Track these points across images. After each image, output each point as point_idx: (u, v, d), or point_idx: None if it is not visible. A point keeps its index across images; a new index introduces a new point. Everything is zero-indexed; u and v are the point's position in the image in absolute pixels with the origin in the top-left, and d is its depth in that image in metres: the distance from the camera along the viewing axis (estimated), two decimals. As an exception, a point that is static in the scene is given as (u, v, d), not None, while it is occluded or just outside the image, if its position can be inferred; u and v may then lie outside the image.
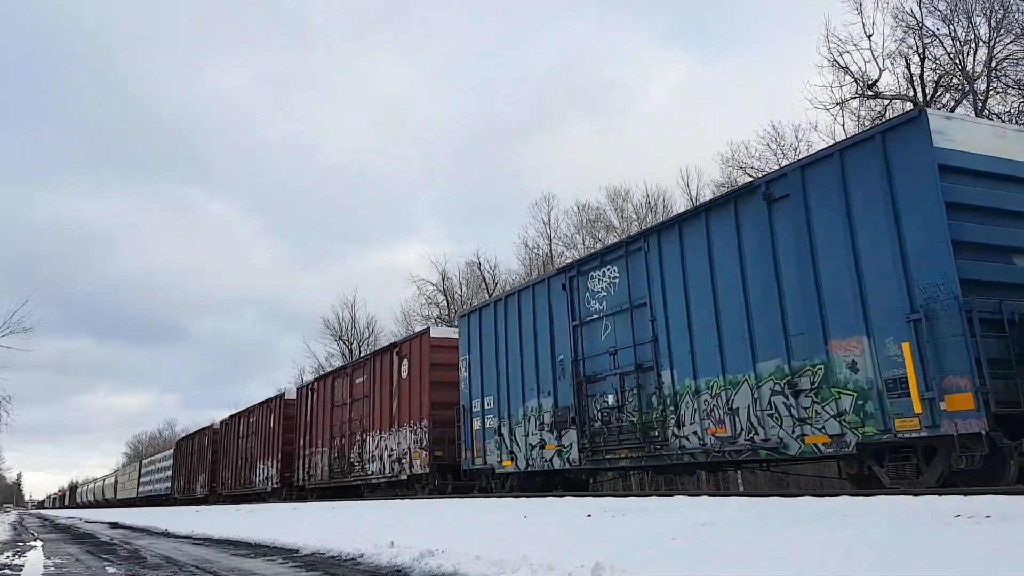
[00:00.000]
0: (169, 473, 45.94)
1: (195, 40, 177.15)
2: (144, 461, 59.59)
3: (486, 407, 15.10)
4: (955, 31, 20.64)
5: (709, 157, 36.69)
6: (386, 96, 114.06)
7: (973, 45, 20.33)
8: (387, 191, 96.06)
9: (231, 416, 33.79)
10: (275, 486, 27.17)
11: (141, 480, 56.30)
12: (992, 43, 19.96)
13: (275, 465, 27.33)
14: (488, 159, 77.76)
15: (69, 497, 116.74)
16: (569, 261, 17.84)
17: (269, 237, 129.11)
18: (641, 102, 71.18)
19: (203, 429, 38.75)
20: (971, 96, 20.18)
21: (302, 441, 25.12)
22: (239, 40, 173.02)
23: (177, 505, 40.43)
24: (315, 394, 24.38)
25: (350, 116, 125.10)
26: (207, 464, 36.63)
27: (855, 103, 22.55)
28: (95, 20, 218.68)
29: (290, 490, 26.16)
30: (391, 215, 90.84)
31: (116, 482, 70.23)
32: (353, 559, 7.98)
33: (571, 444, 12.66)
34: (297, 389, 27.16)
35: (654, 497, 9.60)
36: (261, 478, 28.65)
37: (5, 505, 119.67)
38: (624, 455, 11.72)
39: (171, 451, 47.75)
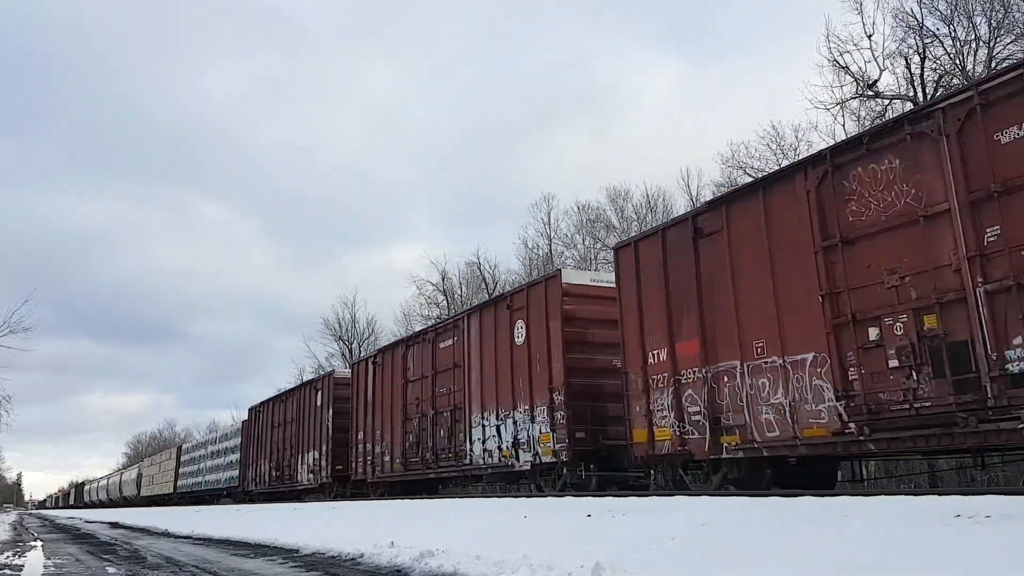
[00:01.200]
0: (235, 457, 32.94)
1: (192, 43, 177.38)
2: (186, 446, 46.43)
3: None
4: (955, 31, 20.66)
5: (709, 157, 36.63)
6: (382, 99, 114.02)
7: (973, 45, 20.34)
8: (384, 193, 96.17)
9: (381, 351, 20.70)
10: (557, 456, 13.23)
11: (182, 471, 43.96)
12: (992, 43, 19.96)
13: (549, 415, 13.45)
14: (486, 160, 77.77)
15: (75, 496, 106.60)
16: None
17: (266, 239, 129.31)
18: (640, 103, 71.18)
19: (309, 383, 25.75)
20: (971, 96, 20.16)
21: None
22: (235, 44, 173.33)
23: (254, 503, 27.69)
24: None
25: (347, 119, 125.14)
26: (322, 435, 23.26)
27: (855, 103, 22.57)
28: (92, 25, 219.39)
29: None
30: (389, 217, 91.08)
31: (139, 476, 57.24)
32: (353, 559, 7.98)
33: None
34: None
35: (654, 497, 9.59)
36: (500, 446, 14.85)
37: (5, 505, 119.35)
38: None
39: (236, 426, 34.44)
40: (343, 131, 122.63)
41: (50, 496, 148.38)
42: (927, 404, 7.86)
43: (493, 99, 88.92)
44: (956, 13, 20.56)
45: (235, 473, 32.92)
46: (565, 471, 13.14)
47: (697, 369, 10.63)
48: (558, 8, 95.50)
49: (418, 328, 26.31)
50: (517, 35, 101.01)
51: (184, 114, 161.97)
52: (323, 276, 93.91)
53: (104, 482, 78.96)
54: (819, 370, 8.99)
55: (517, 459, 14.21)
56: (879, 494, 7.10)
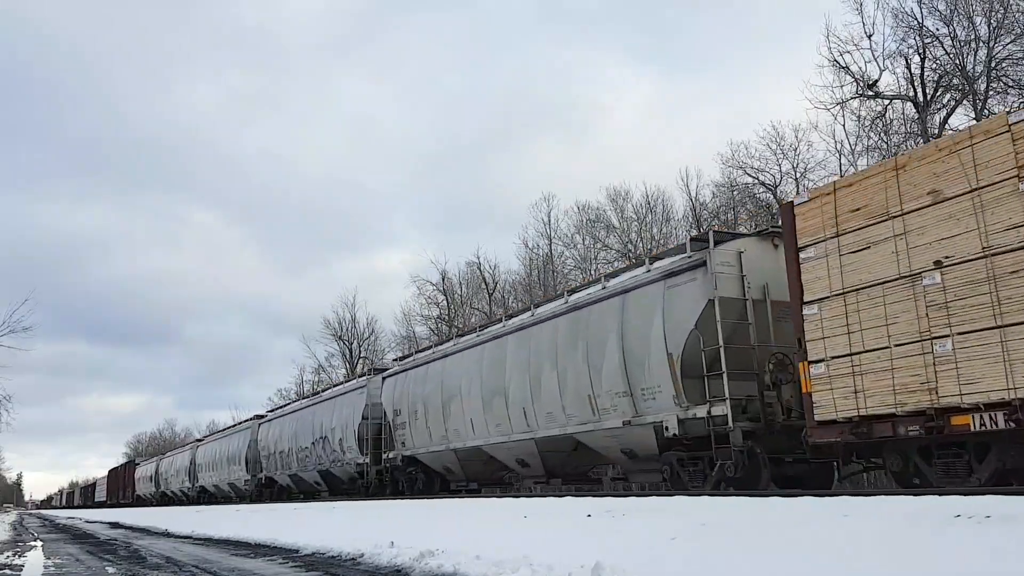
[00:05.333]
0: None
1: (177, 59, 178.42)
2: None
3: None
4: (955, 31, 20.65)
5: (709, 157, 36.46)
6: (362, 111, 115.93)
7: (973, 45, 20.32)
8: (369, 199, 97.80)
9: None
10: None
11: None
12: (992, 43, 19.95)
13: None
14: (470, 167, 78.44)
15: (122, 480, 60.76)
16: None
17: (255, 244, 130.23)
18: (625, 108, 71.28)
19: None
20: (971, 96, 20.18)
21: None
22: (219, 60, 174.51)
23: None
24: None
25: (328, 130, 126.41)
26: None
27: (856, 103, 22.60)
28: (81, 42, 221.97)
29: None
30: (375, 222, 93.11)
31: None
32: (353, 559, 7.97)
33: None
34: None
35: (654, 497, 9.59)
36: None
37: (5, 505, 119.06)
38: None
39: None
40: (325, 141, 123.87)
41: (57, 493, 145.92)
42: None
43: (475, 108, 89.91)
44: (956, 13, 20.56)
45: None
46: None
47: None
48: (540, 23, 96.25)
49: (418, 329, 25.89)
50: (495, 50, 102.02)
51: (170, 126, 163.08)
52: (313, 279, 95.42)
53: (223, 447, 35.81)
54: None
55: None
56: (879, 494, 7.10)
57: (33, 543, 15.16)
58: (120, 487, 60.53)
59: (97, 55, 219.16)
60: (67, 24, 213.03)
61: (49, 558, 10.82)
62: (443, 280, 40.02)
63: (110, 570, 8.61)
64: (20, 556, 11.33)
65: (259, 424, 31.72)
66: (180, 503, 42.16)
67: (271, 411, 33.81)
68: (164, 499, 48.17)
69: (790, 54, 53.52)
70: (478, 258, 39.10)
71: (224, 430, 39.96)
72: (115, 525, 24.20)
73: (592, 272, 31.88)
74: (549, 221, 35.97)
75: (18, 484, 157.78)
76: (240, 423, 36.98)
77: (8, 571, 8.99)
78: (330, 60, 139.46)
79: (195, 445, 42.88)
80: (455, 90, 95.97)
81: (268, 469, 29.70)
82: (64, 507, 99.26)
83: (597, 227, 34.36)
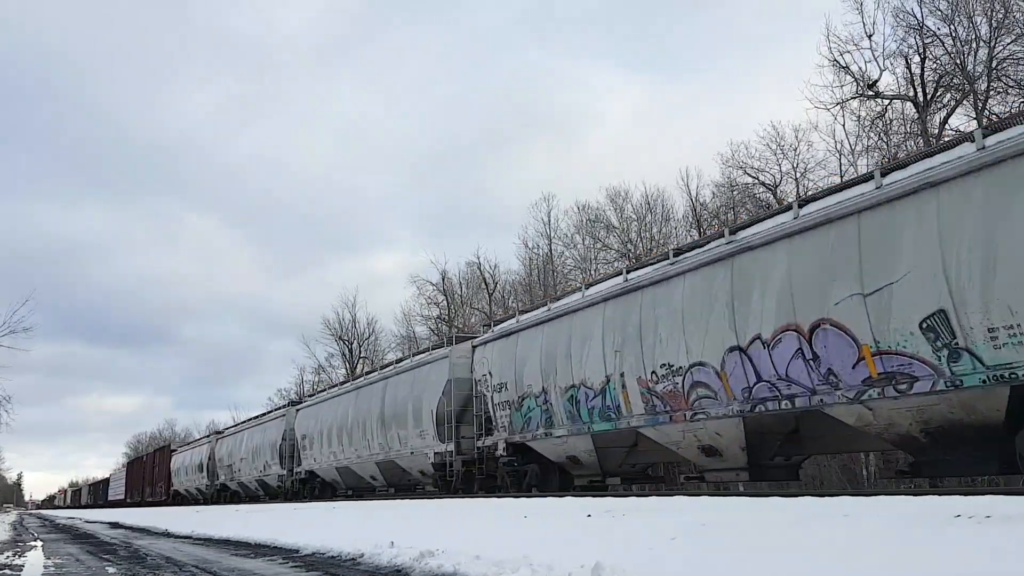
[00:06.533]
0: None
1: (171, 66, 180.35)
2: None
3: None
4: (955, 31, 20.65)
5: (709, 157, 36.39)
6: (355, 116, 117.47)
7: (974, 45, 20.33)
8: (364, 202, 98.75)
9: None
10: None
11: None
12: (993, 43, 19.95)
13: None
14: (463, 171, 78.90)
15: (142, 476, 48.77)
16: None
17: (251, 246, 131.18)
18: (631, 107, 71.35)
19: None
20: (971, 96, 20.18)
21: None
22: (212, 67, 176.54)
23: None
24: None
25: (322, 135, 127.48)
26: None
27: (856, 103, 22.61)
28: (80, 47, 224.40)
29: None
30: (370, 224, 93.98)
31: None
32: (353, 559, 7.98)
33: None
34: None
35: (654, 497, 9.60)
36: None
37: (5, 505, 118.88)
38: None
39: None
40: (322, 144, 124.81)
41: (59, 492, 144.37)
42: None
43: (472, 111, 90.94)
44: (956, 13, 20.56)
45: None
46: None
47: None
48: (535, 27, 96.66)
49: (418, 329, 25.61)
50: (492, 52, 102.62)
51: (167, 130, 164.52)
52: (311, 280, 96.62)
53: (362, 402, 20.96)
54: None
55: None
56: (879, 494, 7.10)
57: (33, 543, 15.16)
58: (147, 482, 46.54)
59: (94, 59, 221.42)
60: (65, 27, 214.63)
61: (49, 558, 10.82)
62: (443, 280, 40.06)
63: (110, 570, 8.61)
64: (20, 556, 11.33)
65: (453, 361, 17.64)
66: (255, 501, 28.59)
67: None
68: (222, 495, 33.10)
69: (790, 54, 53.55)
70: (478, 258, 39.13)
71: (363, 374, 25.44)
72: (115, 525, 24.20)
73: (592, 272, 31.90)
74: (549, 221, 36.00)
75: (18, 484, 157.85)
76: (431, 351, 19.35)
77: (8, 571, 8.99)
78: (326, 64, 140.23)
79: (290, 410, 27.64)
80: (451, 94, 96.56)
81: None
82: (69, 507, 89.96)
83: (597, 227, 34.38)
